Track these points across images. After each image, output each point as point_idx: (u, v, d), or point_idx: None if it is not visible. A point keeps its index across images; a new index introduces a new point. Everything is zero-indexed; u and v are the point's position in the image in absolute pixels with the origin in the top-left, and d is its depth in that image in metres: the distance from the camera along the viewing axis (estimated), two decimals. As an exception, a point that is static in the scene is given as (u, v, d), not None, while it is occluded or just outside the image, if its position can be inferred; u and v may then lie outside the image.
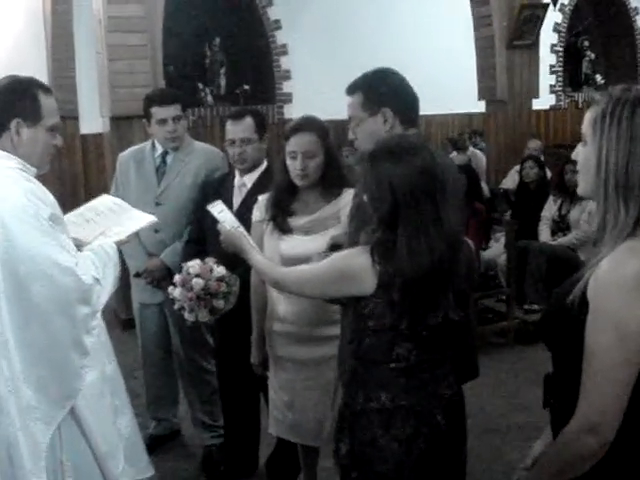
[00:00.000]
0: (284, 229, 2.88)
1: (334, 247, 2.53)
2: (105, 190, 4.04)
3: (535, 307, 5.73)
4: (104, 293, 2.38)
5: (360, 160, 2.27)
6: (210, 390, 3.86)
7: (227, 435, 3.65)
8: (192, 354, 3.89)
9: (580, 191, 1.68)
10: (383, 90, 2.44)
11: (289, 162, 2.84)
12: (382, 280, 2.03)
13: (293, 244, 2.84)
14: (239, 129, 3.36)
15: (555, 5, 7.45)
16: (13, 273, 2.18)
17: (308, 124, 2.89)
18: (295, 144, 2.83)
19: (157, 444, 4.02)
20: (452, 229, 2.07)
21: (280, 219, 2.89)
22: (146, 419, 4.15)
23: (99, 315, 2.39)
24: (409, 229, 2.02)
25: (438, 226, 2.04)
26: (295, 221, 2.88)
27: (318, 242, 2.71)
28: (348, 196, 2.71)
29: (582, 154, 1.64)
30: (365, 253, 2.07)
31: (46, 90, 2.43)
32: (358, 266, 2.07)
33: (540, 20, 7.76)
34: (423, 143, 2.23)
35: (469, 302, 2.16)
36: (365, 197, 2.12)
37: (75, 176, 9.07)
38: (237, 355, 3.25)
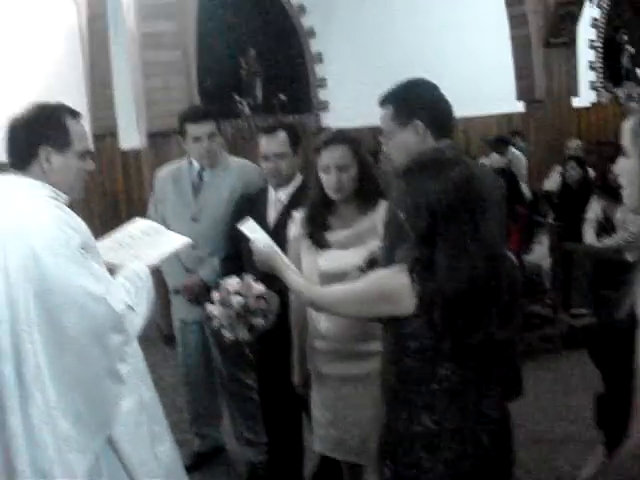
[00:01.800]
0: (321, 244, 2.84)
1: (372, 262, 2.48)
2: (146, 205, 4.06)
3: (583, 311, 5.62)
4: (138, 319, 2.36)
5: (394, 176, 2.22)
6: (253, 406, 3.82)
7: (271, 452, 3.62)
8: (233, 370, 3.87)
9: (630, 208, 1.59)
10: (414, 102, 2.39)
11: (322, 176, 2.80)
12: (421, 300, 1.98)
13: (331, 259, 2.80)
14: (272, 144, 3.32)
15: (592, 1, 7.30)
16: (46, 305, 2.18)
17: (339, 136, 2.85)
18: (327, 157, 2.78)
19: (202, 461, 4.02)
20: (492, 243, 2.01)
21: (317, 234, 2.84)
22: (192, 436, 4.14)
23: (135, 343, 2.37)
24: (447, 246, 1.97)
25: (477, 241, 1.98)
26: (332, 236, 2.84)
27: (357, 256, 2.67)
28: (385, 208, 2.65)
29: (625, 167, 1.56)
30: (403, 272, 2.02)
31: (74, 115, 2.40)
32: (396, 286, 2.01)
33: (577, 17, 7.63)
34: (459, 156, 2.18)
35: (513, 319, 2.08)
36: (401, 214, 2.07)
37: (116, 192, 9.16)
38: (278, 373, 3.22)
